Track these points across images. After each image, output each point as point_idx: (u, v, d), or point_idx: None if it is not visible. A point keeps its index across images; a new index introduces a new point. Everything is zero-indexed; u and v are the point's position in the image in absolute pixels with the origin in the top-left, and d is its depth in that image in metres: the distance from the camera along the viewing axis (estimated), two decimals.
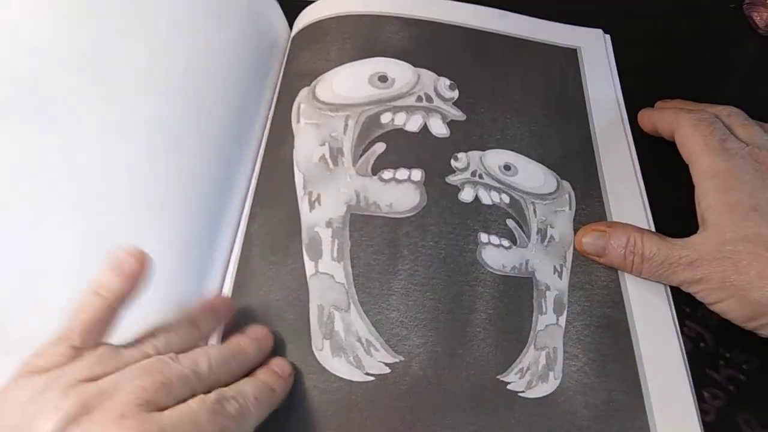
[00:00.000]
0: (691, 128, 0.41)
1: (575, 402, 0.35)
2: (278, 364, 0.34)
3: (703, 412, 0.36)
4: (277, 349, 0.35)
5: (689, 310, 0.39)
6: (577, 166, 0.45)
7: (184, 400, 0.28)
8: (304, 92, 0.46)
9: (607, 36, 0.53)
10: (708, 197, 0.38)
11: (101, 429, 0.25)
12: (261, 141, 0.46)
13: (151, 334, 0.31)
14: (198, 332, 0.33)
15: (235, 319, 0.36)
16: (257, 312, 0.37)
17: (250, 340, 0.34)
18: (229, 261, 0.40)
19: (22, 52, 0.44)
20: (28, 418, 0.26)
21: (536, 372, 0.36)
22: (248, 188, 0.43)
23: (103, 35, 0.48)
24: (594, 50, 0.52)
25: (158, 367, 0.29)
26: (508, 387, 0.35)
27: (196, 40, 0.48)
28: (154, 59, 0.47)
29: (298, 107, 0.45)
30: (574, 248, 0.41)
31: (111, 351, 0.30)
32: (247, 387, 0.31)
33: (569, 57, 0.51)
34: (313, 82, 0.46)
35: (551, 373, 0.36)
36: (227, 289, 0.38)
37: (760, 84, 0.52)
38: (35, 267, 0.37)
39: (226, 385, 0.31)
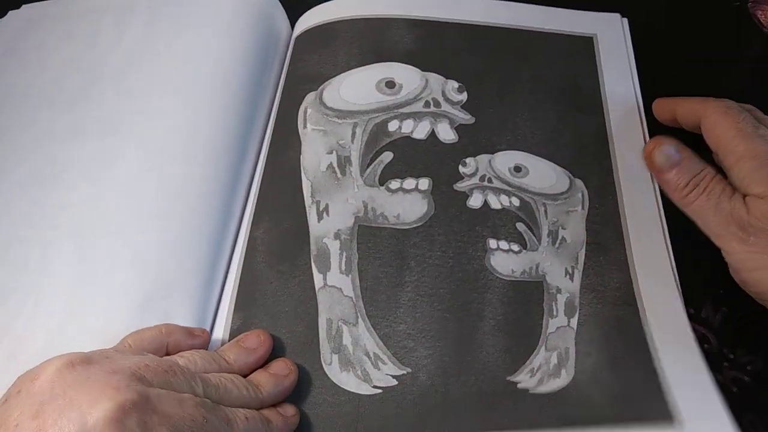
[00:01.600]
0: (721, 115, 0.40)
1: (590, 392, 0.36)
2: (282, 405, 0.34)
3: None
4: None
5: (693, 311, 0.39)
6: (591, 162, 0.44)
7: None
8: (310, 97, 0.46)
9: (625, 20, 0.51)
10: (751, 174, 0.37)
11: (90, 374, 0.27)
12: (263, 143, 0.46)
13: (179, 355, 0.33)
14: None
15: (243, 328, 0.37)
16: (265, 323, 0.38)
17: (269, 375, 0.35)
18: (230, 264, 0.41)
19: None
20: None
21: (547, 371, 0.37)
22: (250, 191, 0.44)
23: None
24: (611, 37, 0.50)
25: (169, 361, 0.31)
26: (518, 386, 0.36)
27: (196, 42, 0.48)
28: (156, 63, 0.47)
29: (305, 112, 0.45)
30: (586, 249, 0.41)
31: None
32: (240, 409, 0.31)
33: (584, 46, 0.50)
34: (320, 87, 0.46)
35: (563, 370, 0.37)
36: (230, 293, 0.39)
37: (765, 83, 0.50)
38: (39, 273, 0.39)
39: None
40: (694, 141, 0.41)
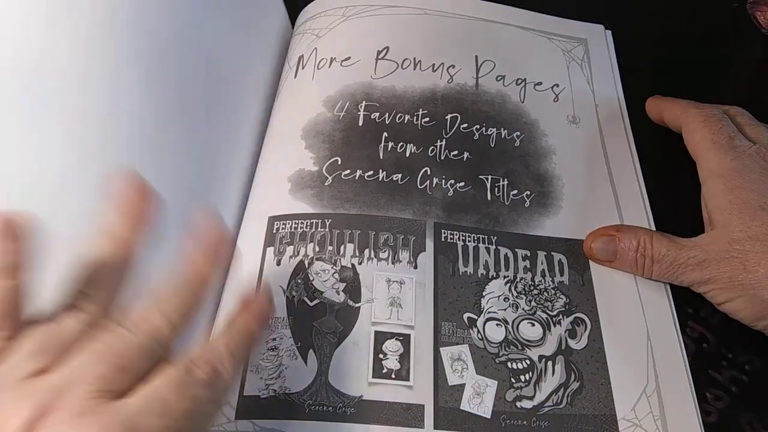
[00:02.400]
0: (699, 125, 0.40)
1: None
2: (255, 304, 0.30)
3: (705, 413, 0.36)
4: None
5: (692, 310, 0.39)
6: None
7: (147, 371, 0.26)
8: None
9: (608, 32, 0.52)
10: (716, 197, 0.38)
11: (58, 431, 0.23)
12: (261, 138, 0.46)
13: (81, 292, 0.27)
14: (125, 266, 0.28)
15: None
16: None
17: (204, 256, 0.29)
18: None
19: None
20: None
21: None
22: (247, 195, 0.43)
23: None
24: (596, 47, 0.51)
25: (114, 347, 0.26)
26: None
27: (195, 38, 0.47)
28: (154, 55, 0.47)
29: None
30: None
31: (48, 330, 0.26)
32: (220, 344, 0.28)
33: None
34: None
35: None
36: None
37: (764, 84, 0.51)
38: None
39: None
40: (676, 151, 0.42)
